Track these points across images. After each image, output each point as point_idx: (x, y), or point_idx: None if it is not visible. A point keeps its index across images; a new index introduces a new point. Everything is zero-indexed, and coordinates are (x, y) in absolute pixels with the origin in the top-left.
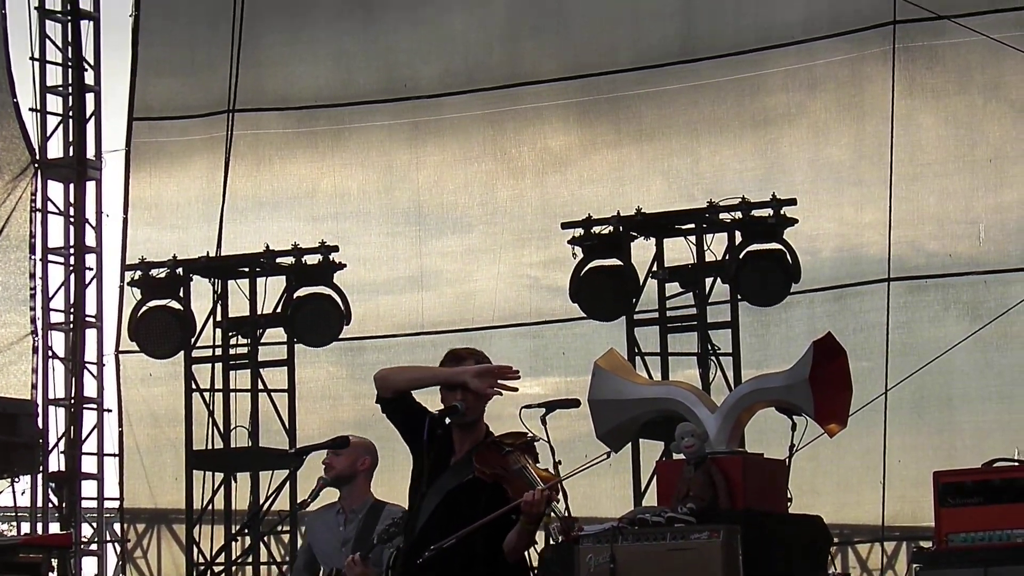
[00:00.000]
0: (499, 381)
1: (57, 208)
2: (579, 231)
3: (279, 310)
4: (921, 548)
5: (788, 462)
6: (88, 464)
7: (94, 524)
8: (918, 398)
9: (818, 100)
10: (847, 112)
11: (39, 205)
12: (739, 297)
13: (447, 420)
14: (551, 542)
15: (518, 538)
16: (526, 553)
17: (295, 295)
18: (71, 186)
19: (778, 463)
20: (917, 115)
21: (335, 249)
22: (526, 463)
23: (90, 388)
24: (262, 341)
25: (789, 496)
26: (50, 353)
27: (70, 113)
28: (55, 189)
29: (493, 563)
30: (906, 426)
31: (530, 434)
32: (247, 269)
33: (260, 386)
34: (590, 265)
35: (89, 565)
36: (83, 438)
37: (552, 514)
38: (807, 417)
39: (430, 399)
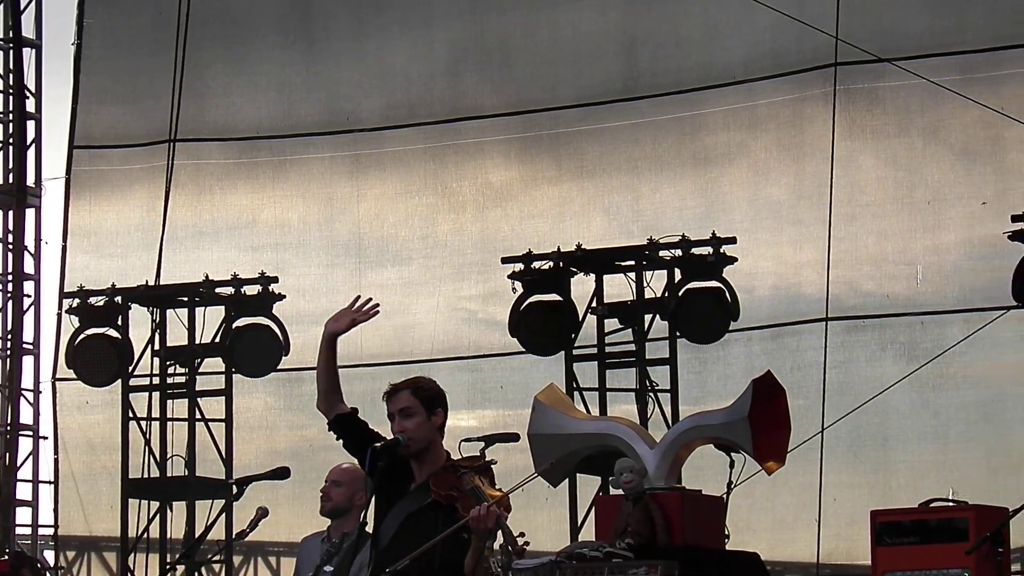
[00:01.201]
0: (356, 313)
1: None
2: (519, 266)
3: (218, 340)
4: None
5: (726, 499)
6: (23, 491)
7: (28, 551)
8: (854, 437)
9: (758, 140)
10: (787, 152)
11: None
12: (678, 334)
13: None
14: (491, 573)
15: (472, 559)
16: None
17: (234, 325)
18: (10, 213)
19: (716, 499)
20: (857, 156)
21: (275, 280)
22: (479, 483)
23: (26, 415)
24: (200, 370)
25: (727, 533)
26: None
27: (10, 140)
28: None
29: None
30: (842, 464)
31: (487, 458)
32: (186, 298)
33: (197, 415)
34: (530, 300)
35: None
36: (18, 465)
37: (498, 542)
38: (745, 454)
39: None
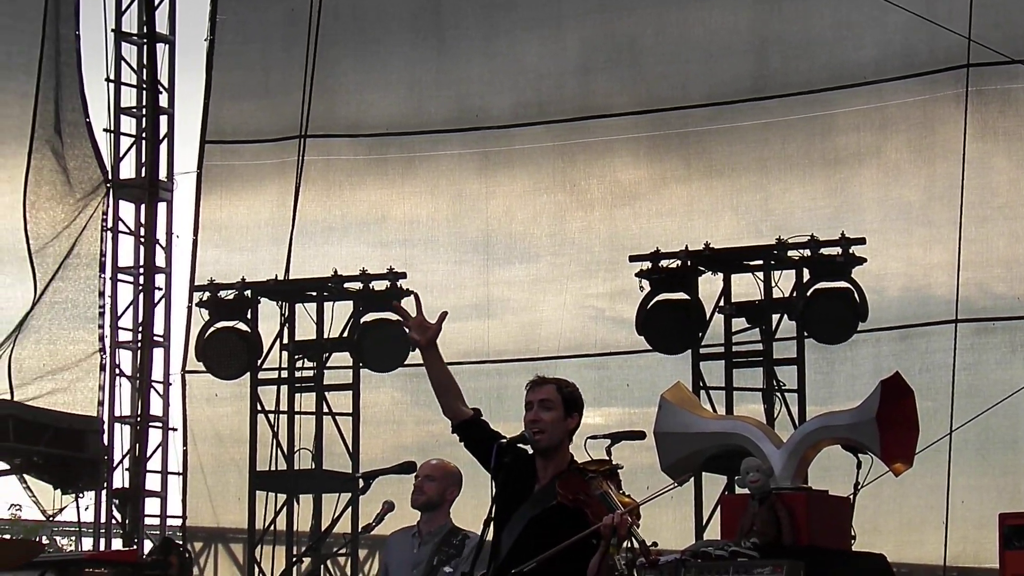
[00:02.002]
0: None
1: (128, 228)
2: (647, 264)
3: (346, 334)
4: None
5: (852, 499)
6: (152, 482)
7: (156, 542)
8: (983, 440)
9: (889, 141)
10: (918, 154)
11: (110, 224)
12: (805, 334)
13: (520, 447)
14: (615, 572)
15: (599, 564)
16: None
17: (362, 320)
18: (142, 206)
19: (842, 500)
20: (989, 158)
21: (403, 275)
22: (608, 489)
23: (156, 406)
24: (328, 365)
25: (853, 534)
26: (117, 371)
27: (143, 135)
28: (126, 209)
29: None
30: (970, 467)
31: (614, 462)
32: (315, 293)
33: (325, 409)
34: (657, 298)
35: None
36: (148, 456)
37: (625, 544)
38: (872, 455)
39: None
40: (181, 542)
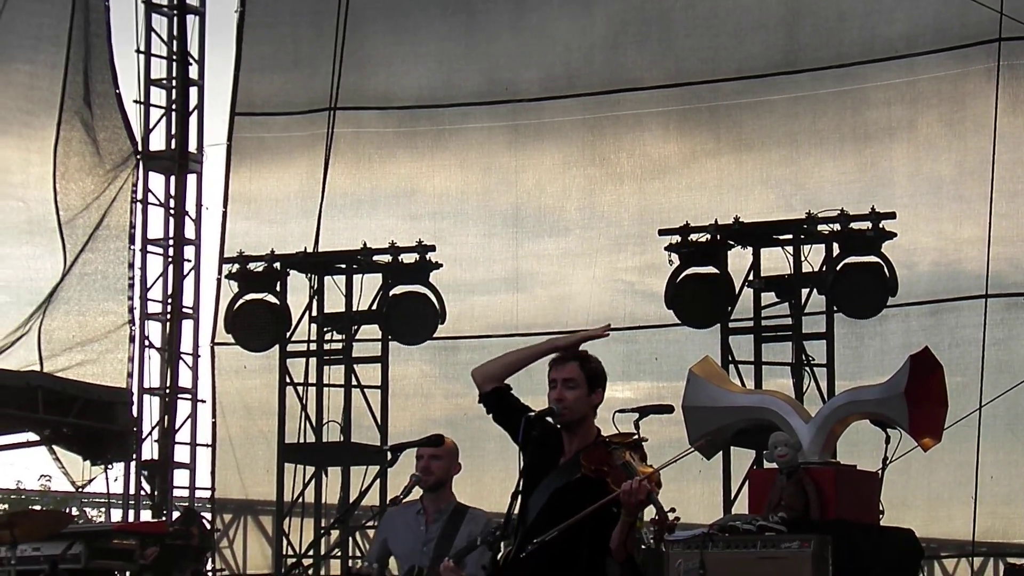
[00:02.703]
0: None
1: (157, 199)
2: (676, 238)
3: (375, 307)
4: (1013, 565)
5: (881, 474)
6: (181, 453)
7: (207, 515)
8: (1013, 415)
9: (920, 115)
10: (949, 128)
11: (140, 196)
12: (835, 308)
13: (547, 420)
14: (642, 545)
15: (620, 533)
16: (634, 554)
17: (391, 293)
18: (172, 178)
19: (871, 475)
20: (1020, 132)
21: (432, 248)
22: (630, 459)
23: (185, 378)
24: (357, 337)
25: (881, 508)
26: (147, 343)
27: (173, 106)
28: (156, 181)
29: (598, 562)
30: (1000, 443)
31: (637, 434)
32: (344, 265)
33: (353, 382)
34: (686, 272)
35: None
36: (176, 427)
37: (648, 516)
38: (901, 430)
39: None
40: (206, 514)
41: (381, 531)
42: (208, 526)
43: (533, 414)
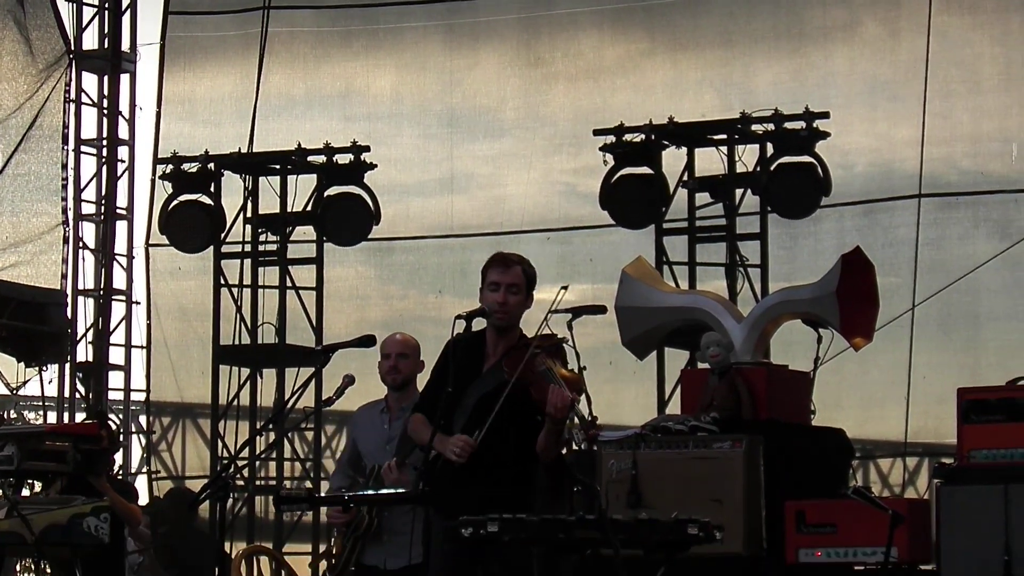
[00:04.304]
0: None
1: (91, 99)
2: (611, 138)
3: (309, 208)
4: (943, 464)
5: (813, 375)
6: (116, 355)
7: (120, 415)
8: (945, 315)
9: (856, 15)
10: (883, 27)
11: (73, 96)
12: (769, 209)
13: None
14: (573, 447)
15: (546, 440)
16: (562, 455)
17: (325, 194)
18: (105, 78)
19: (802, 375)
20: (954, 31)
21: (366, 149)
22: (551, 365)
23: (119, 280)
24: (291, 238)
25: (812, 409)
26: (81, 244)
27: (106, 4)
28: (89, 80)
29: (525, 463)
30: (932, 343)
31: (558, 336)
32: (278, 166)
33: (288, 283)
34: (621, 173)
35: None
36: (111, 329)
37: (574, 419)
38: (833, 330)
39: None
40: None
41: (351, 431)
42: (115, 428)
43: (465, 313)
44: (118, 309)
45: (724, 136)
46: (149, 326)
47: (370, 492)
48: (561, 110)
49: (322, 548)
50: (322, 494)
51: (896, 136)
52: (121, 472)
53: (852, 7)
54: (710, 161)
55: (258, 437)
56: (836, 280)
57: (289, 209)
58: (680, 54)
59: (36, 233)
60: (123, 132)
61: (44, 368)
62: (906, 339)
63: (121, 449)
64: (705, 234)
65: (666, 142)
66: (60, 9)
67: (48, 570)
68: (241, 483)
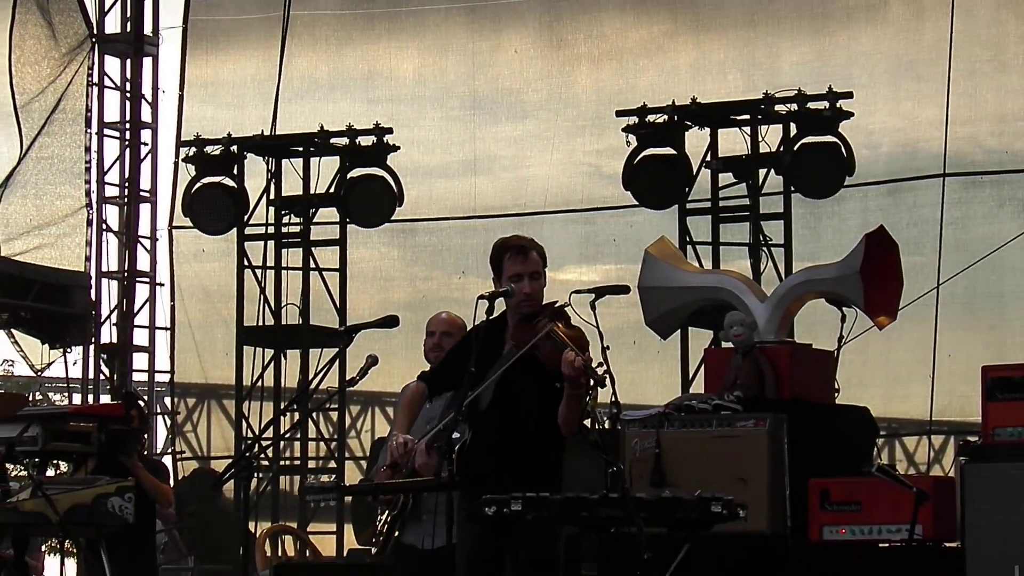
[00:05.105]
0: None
1: (113, 83)
2: (634, 119)
3: (332, 190)
4: (967, 442)
5: (836, 353)
6: (140, 337)
7: (144, 397)
8: (970, 294)
9: None
10: (907, 6)
11: (95, 79)
12: (792, 189)
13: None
14: (597, 426)
15: (567, 407)
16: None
17: (348, 176)
18: (128, 61)
19: (826, 354)
20: (977, 10)
21: (389, 131)
22: (555, 327)
23: (143, 262)
24: (314, 220)
25: (836, 387)
26: (104, 226)
27: None
28: (112, 64)
29: (547, 438)
30: (957, 321)
31: (558, 302)
32: (301, 148)
33: (312, 265)
34: (644, 153)
35: None
36: (135, 311)
37: (596, 397)
38: (857, 309)
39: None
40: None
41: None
42: (146, 409)
43: (487, 294)
44: (142, 291)
45: (747, 116)
46: (173, 308)
47: (398, 480)
48: (584, 92)
49: (347, 528)
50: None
51: (920, 116)
52: (146, 453)
53: None
54: (733, 141)
55: (282, 417)
56: (860, 259)
57: (312, 191)
58: (703, 35)
59: (60, 216)
60: (146, 115)
61: (68, 350)
62: (931, 318)
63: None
64: (728, 214)
65: (689, 123)
66: None
67: (75, 550)
68: (266, 463)
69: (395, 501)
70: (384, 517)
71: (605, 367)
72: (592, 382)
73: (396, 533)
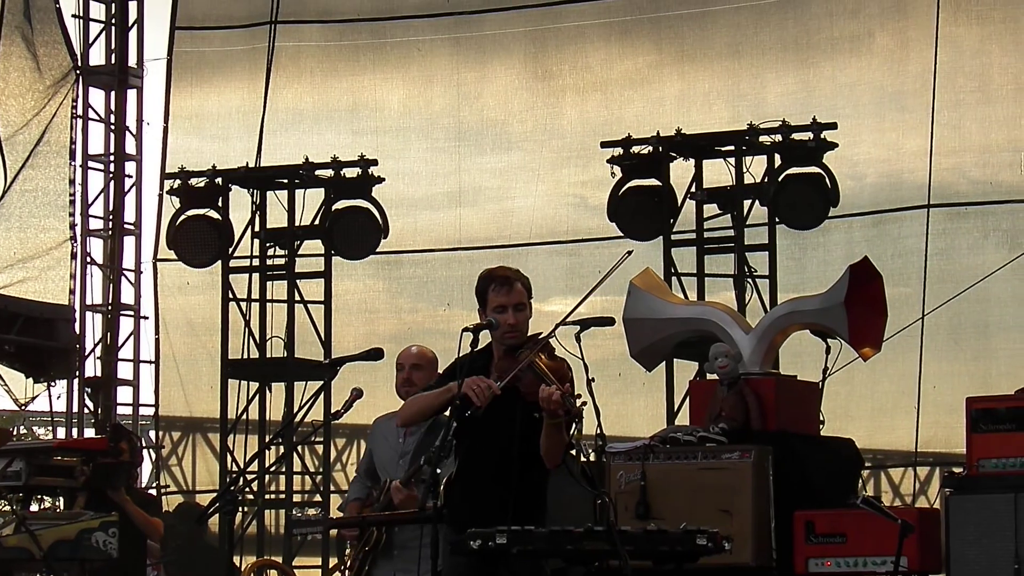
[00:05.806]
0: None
1: (98, 115)
2: (618, 151)
3: (317, 222)
4: (952, 473)
5: (821, 385)
6: (124, 370)
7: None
8: (955, 325)
9: (862, 25)
10: (891, 37)
11: (80, 111)
12: (777, 220)
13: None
14: (583, 458)
15: (547, 439)
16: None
17: (333, 207)
18: (112, 93)
19: (811, 385)
20: (962, 41)
21: (374, 163)
22: (535, 359)
23: (127, 295)
24: (299, 253)
25: (821, 419)
26: (88, 259)
27: (113, 20)
28: (96, 96)
29: (531, 469)
30: (942, 352)
31: (543, 333)
32: (286, 180)
33: (296, 297)
34: (628, 184)
35: None
36: (119, 344)
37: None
38: (842, 340)
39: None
40: (157, 431)
41: (369, 442)
42: (138, 442)
43: (471, 327)
44: (126, 324)
45: (732, 147)
46: (157, 341)
47: (384, 512)
48: (569, 123)
49: (332, 562)
50: (332, 512)
51: (905, 146)
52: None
53: (860, 18)
54: (718, 172)
55: (267, 451)
56: (844, 290)
57: (297, 223)
58: (688, 66)
59: (44, 249)
60: (130, 147)
61: (52, 384)
62: (916, 349)
63: None
64: (713, 245)
65: (674, 154)
66: (67, 25)
67: None
68: (251, 497)
69: (367, 536)
70: (355, 552)
71: (584, 399)
72: (571, 413)
73: (366, 568)
